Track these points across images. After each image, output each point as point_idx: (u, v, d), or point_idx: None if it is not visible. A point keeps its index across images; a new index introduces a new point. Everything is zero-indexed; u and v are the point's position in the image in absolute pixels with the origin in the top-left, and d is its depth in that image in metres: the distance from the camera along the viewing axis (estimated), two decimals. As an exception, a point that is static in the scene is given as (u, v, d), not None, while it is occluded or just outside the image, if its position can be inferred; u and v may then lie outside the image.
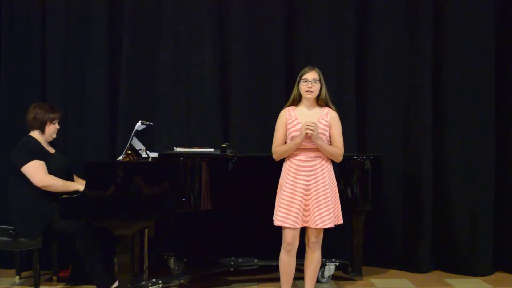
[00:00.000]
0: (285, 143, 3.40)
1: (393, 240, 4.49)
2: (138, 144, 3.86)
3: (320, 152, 3.33)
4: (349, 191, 3.92)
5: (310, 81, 3.34)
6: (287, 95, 4.26)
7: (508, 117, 4.44)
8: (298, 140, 3.27)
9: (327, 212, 3.30)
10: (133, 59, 4.45)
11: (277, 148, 3.39)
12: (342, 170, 3.78)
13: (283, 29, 4.53)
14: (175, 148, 4.08)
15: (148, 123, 3.84)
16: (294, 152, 3.33)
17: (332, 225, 3.33)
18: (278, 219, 3.31)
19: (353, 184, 3.95)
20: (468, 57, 4.34)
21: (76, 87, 4.44)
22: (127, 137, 3.79)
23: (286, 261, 3.36)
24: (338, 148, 3.36)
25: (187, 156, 3.55)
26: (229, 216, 4.40)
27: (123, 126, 4.34)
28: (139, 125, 3.74)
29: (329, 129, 3.36)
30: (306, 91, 3.35)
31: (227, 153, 3.76)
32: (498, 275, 4.39)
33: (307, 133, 3.23)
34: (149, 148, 3.98)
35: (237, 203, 3.75)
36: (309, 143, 3.30)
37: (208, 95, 4.49)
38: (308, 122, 3.24)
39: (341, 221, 3.41)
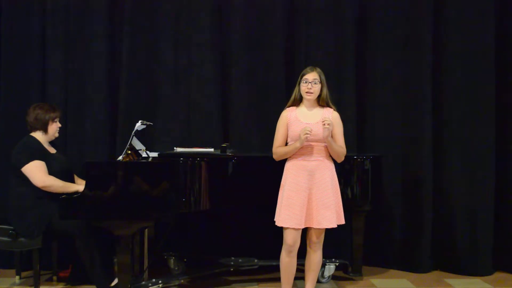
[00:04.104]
0: (286, 143, 3.40)
1: (393, 240, 4.49)
2: (138, 144, 3.86)
3: (322, 152, 3.33)
4: (349, 191, 3.92)
5: (310, 82, 3.33)
6: (287, 95, 4.26)
7: (508, 117, 4.44)
8: (297, 145, 3.26)
9: (331, 212, 3.30)
10: (133, 59, 4.45)
11: (278, 149, 3.39)
12: (342, 170, 3.77)
13: (283, 29, 4.53)
14: (175, 148, 4.08)
15: (148, 123, 3.84)
16: (296, 152, 3.33)
17: (335, 225, 3.33)
18: (281, 220, 3.30)
19: (353, 184, 3.96)
20: (468, 57, 4.35)
21: (76, 87, 4.45)
22: (127, 137, 3.79)
23: (287, 262, 3.35)
24: (341, 147, 3.37)
25: (187, 156, 3.55)
26: (229, 216, 4.40)
27: (123, 126, 4.34)
28: (139, 125, 3.73)
29: (331, 130, 3.35)
30: (306, 92, 3.34)
31: (227, 153, 3.76)
32: (498, 275, 4.39)
33: (306, 137, 3.22)
34: (149, 148, 3.98)
35: (237, 203, 3.75)
36: (311, 143, 3.30)
37: (208, 95, 4.49)
38: (326, 121, 3.22)
39: (343, 221, 3.41)
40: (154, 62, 4.50)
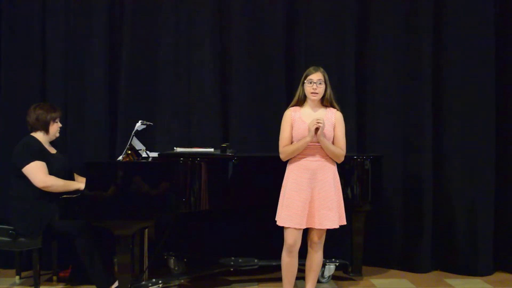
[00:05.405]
0: (291, 143, 3.39)
1: (393, 240, 4.49)
2: (138, 144, 3.86)
3: (325, 152, 3.32)
4: (349, 191, 3.92)
5: (315, 82, 3.32)
6: (287, 95, 4.29)
7: (508, 116, 4.44)
8: (308, 138, 3.24)
9: (332, 213, 3.29)
10: (133, 58, 4.45)
11: (285, 148, 3.36)
12: (342, 170, 3.75)
13: (283, 29, 4.53)
14: (175, 148, 4.08)
15: (148, 123, 3.84)
16: (298, 153, 3.32)
17: (337, 226, 3.32)
18: (282, 220, 3.29)
19: (353, 184, 3.95)
20: (468, 56, 4.35)
21: (76, 87, 4.45)
22: (127, 137, 3.79)
23: (288, 262, 3.34)
24: (340, 149, 3.36)
25: (187, 156, 3.55)
26: (229, 216, 4.40)
27: (123, 126, 4.34)
28: (139, 125, 3.74)
29: (333, 130, 3.35)
30: (311, 93, 3.33)
31: (227, 153, 3.76)
32: (498, 275, 4.39)
33: (317, 128, 3.21)
34: (149, 148, 3.98)
35: (237, 203, 3.74)
36: (315, 143, 3.29)
37: (208, 95, 4.49)
38: (316, 119, 3.22)
39: (344, 222, 3.40)
40: (154, 62, 4.50)
